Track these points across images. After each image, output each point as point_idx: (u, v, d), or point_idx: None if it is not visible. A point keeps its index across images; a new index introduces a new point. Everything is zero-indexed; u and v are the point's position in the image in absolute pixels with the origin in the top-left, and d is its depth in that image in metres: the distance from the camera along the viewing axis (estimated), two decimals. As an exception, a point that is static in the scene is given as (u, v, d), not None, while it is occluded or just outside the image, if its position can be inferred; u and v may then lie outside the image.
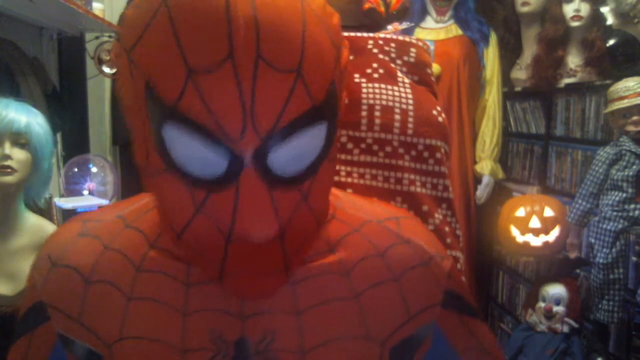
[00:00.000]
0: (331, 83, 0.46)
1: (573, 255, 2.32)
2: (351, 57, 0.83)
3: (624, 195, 1.96)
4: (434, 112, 0.82)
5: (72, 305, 0.53)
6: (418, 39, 0.88)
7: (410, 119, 0.79)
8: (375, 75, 0.81)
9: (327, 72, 0.46)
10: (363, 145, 0.78)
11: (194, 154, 0.43)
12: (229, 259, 0.46)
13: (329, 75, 0.46)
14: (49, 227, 1.53)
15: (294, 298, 0.52)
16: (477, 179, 2.76)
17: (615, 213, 1.97)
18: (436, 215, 0.83)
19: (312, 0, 0.46)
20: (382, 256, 0.56)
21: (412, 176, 0.80)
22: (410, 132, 0.79)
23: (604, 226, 1.99)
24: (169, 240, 0.53)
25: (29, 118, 1.38)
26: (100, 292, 0.53)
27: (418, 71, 0.85)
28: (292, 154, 0.44)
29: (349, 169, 0.78)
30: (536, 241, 2.42)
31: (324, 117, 0.46)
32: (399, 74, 0.82)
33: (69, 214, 1.92)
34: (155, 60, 0.43)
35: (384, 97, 0.79)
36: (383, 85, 0.80)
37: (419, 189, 0.81)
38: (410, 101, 0.80)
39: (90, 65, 2.66)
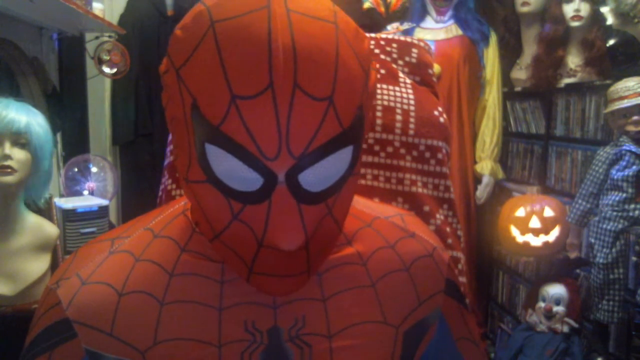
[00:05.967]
0: (359, 108, 0.50)
1: (573, 255, 2.32)
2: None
3: (624, 195, 1.96)
4: (436, 112, 0.81)
5: (104, 320, 0.55)
6: (419, 40, 0.88)
7: (412, 120, 0.79)
8: (377, 76, 0.81)
9: (356, 98, 0.49)
10: (364, 146, 0.78)
11: (234, 171, 0.47)
12: (258, 260, 0.51)
13: (357, 101, 0.49)
14: (49, 227, 1.53)
15: (320, 286, 0.56)
16: (477, 179, 2.76)
17: (615, 213, 1.97)
18: (437, 215, 0.83)
19: (345, 27, 0.49)
20: (392, 248, 0.62)
21: (413, 177, 0.80)
22: (411, 132, 0.79)
23: (604, 226, 1.99)
24: (200, 242, 0.57)
25: (29, 118, 1.38)
26: (133, 303, 0.55)
27: (419, 71, 0.85)
28: (321, 174, 0.48)
29: (350, 169, 0.78)
30: (536, 241, 2.42)
31: (351, 140, 0.49)
32: (401, 74, 0.82)
33: (69, 214, 1.91)
34: (203, 84, 0.47)
35: (386, 97, 0.79)
36: (385, 86, 0.80)
37: (420, 190, 0.80)
38: (412, 102, 0.80)
39: (90, 65, 2.65)
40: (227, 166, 0.47)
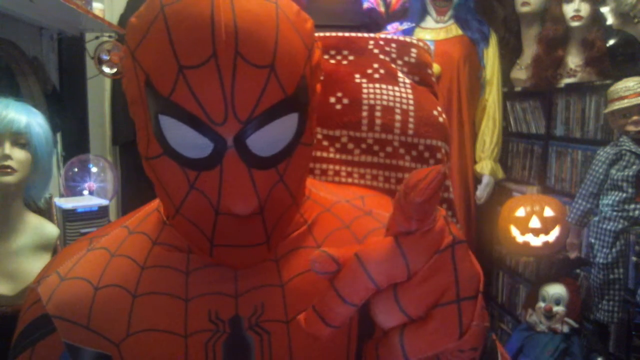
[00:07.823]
0: (302, 78, 0.53)
1: (573, 255, 2.32)
2: (351, 58, 0.82)
3: (624, 195, 1.96)
4: (435, 112, 0.81)
5: (81, 313, 0.56)
6: (419, 39, 0.88)
7: (411, 120, 0.79)
8: (376, 76, 0.81)
9: (297, 68, 0.52)
10: (364, 146, 0.78)
11: (185, 138, 0.50)
12: (218, 231, 0.53)
13: (300, 71, 0.52)
14: (50, 227, 1.53)
15: (278, 271, 0.58)
16: (477, 179, 2.76)
17: (615, 213, 1.97)
18: (437, 215, 0.82)
19: (287, 8, 0.53)
20: (347, 227, 0.62)
21: (412, 176, 0.80)
22: (410, 132, 0.79)
23: (604, 226, 2.00)
24: (170, 234, 0.59)
25: (29, 118, 1.38)
26: (107, 296, 0.57)
27: (419, 71, 0.84)
28: (268, 138, 0.51)
29: (349, 169, 0.78)
30: (536, 241, 2.42)
31: (295, 107, 0.52)
32: (400, 74, 0.82)
33: (69, 214, 1.91)
34: (153, 59, 0.50)
35: (385, 97, 0.79)
36: (384, 86, 0.80)
37: (419, 189, 0.81)
38: (411, 101, 0.80)
39: (90, 65, 2.65)
40: (179, 134, 0.50)
